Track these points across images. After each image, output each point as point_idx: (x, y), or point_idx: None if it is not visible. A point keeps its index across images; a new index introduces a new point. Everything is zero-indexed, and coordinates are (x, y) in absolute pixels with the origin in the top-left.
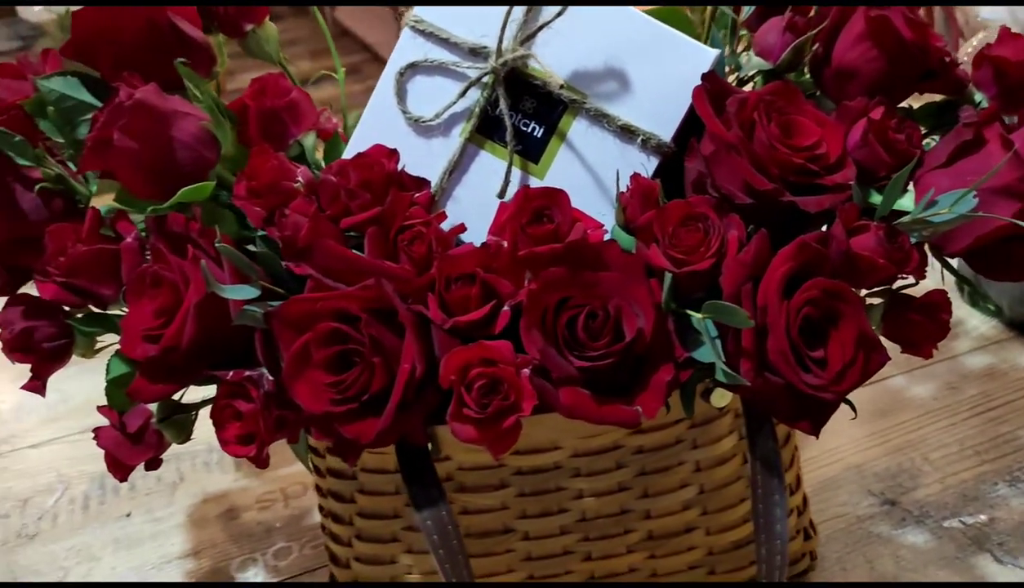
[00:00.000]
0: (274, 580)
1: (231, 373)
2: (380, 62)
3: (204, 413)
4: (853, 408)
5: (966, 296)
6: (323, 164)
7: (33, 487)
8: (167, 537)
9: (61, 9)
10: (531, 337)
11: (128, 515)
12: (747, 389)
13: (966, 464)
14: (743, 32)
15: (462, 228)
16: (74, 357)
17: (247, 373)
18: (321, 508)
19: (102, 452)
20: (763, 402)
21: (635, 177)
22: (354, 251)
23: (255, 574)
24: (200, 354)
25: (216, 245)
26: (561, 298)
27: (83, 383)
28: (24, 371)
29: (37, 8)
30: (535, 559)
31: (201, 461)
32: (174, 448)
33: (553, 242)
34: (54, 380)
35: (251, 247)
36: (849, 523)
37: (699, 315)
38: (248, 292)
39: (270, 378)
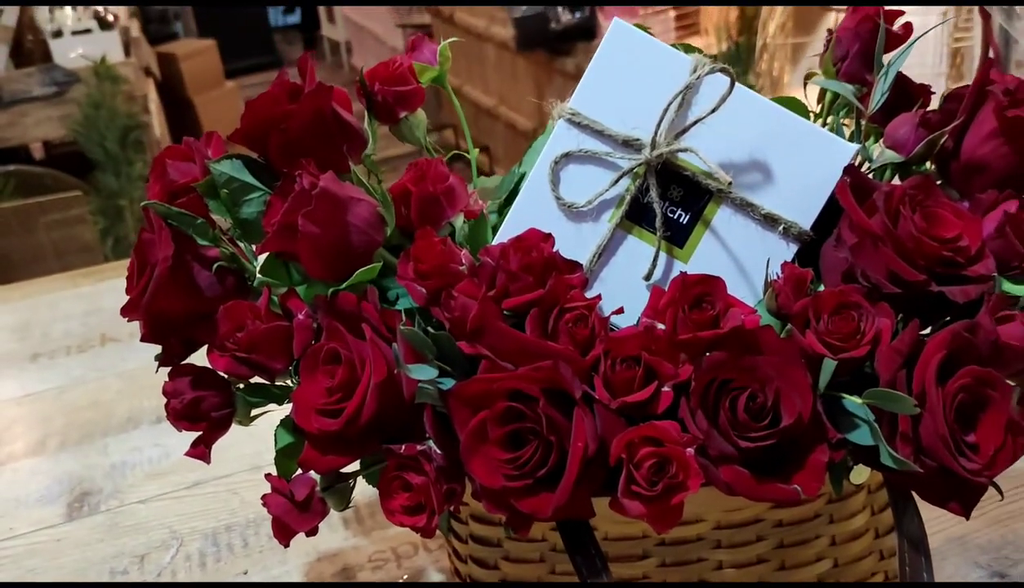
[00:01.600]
0: None
1: (404, 447)
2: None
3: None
4: (999, 490)
5: None
6: (466, 243)
7: (148, 543)
8: None
9: (96, 56)
10: (696, 418)
11: (245, 572)
12: (901, 472)
13: None
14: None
15: (620, 311)
16: None
17: (419, 447)
18: (457, 572)
19: (210, 508)
20: (912, 484)
21: (787, 265)
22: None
23: None
24: (375, 430)
25: (401, 330)
26: (723, 380)
27: (182, 439)
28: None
29: (72, 55)
30: None
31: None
32: None
33: (713, 327)
34: (153, 433)
35: (429, 329)
36: None
37: (859, 400)
38: (428, 372)
39: (438, 452)
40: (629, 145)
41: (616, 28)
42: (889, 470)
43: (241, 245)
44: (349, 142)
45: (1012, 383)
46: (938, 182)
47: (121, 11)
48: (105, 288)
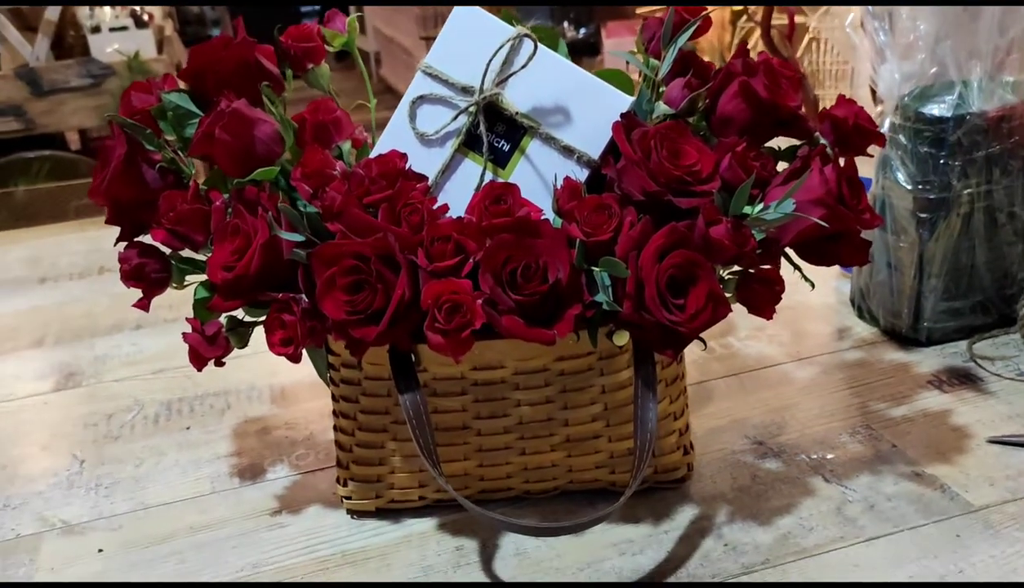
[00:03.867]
0: (295, 474)
1: (281, 295)
2: None
3: (249, 361)
4: (703, 342)
5: (855, 309)
6: (354, 162)
7: (116, 407)
8: (216, 443)
9: (130, 51)
10: (485, 279)
11: (188, 428)
12: (630, 325)
13: (822, 421)
14: (662, 88)
15: (446, 208)
16: (154, 323)
17: (292, 295)
18: (334, 412)
19: (171, 386)
20: (642, 338)
21: (567, 179)
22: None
23: (281, 469)
24: (261, 281)
25: (279, 206)
26: (508, 255)
27: (154, 341)
28: (107, 330)
29: (108, 50)
30: (484, 451)
31: (244, 395)
32: (224, 385)
33: (506, 216)
34: (131, 336)
35: (299, 206)
36: (724, 454)
37: (597, 269)
38: (297, 237)
39: (306, 299)
40: (466, 90)
41: (459, 10)
42: (629, 326)
43: (182, 154)
44: (268, 81)
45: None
46: (702, 133)
47: (157, 12)
48: (108, 233)
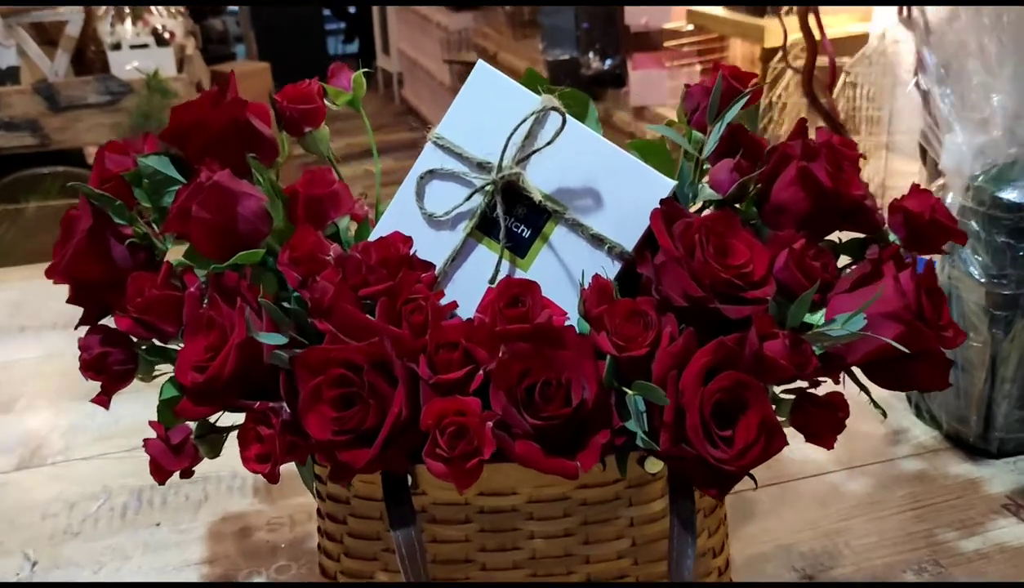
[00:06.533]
0: None
1: (258, 404)
2: None
3: (232, 445)
4: (754, 480)
5: (912, 407)
6: (353, 241)
7: (81, 493)
8: (188, 546)
9: (149, 69)
10: (497, 397)
11: (158, 525)
12: (667, 457)
13: (881, 553)
14: (706, 166)
15: (454, 305)
16: (130, 386)
17: (271, 405)
18: (319, 529)
19: (143, 469)
20: (681, 470)
21: (596, 277)
22: (367, 315)
23: (257, 580)
24: (236, 386)
25: (259, 301)
26: (525, 368)
27: (132, 408)
28: (84, 394)
29: (128, 67)
30: None
31: (225, 485)
32: (204, 471)
33: (523, 322)
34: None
35: (286, 304)
36: None
37: (632, 392)
38: (278, 339)
39: (288, 410)
40: (482, 167)
41: (480, 68)
42: (667, 459)
43: (157, 228)
44: (259, 148)
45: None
46: (755, 221)
47: (178, 29)
48: None
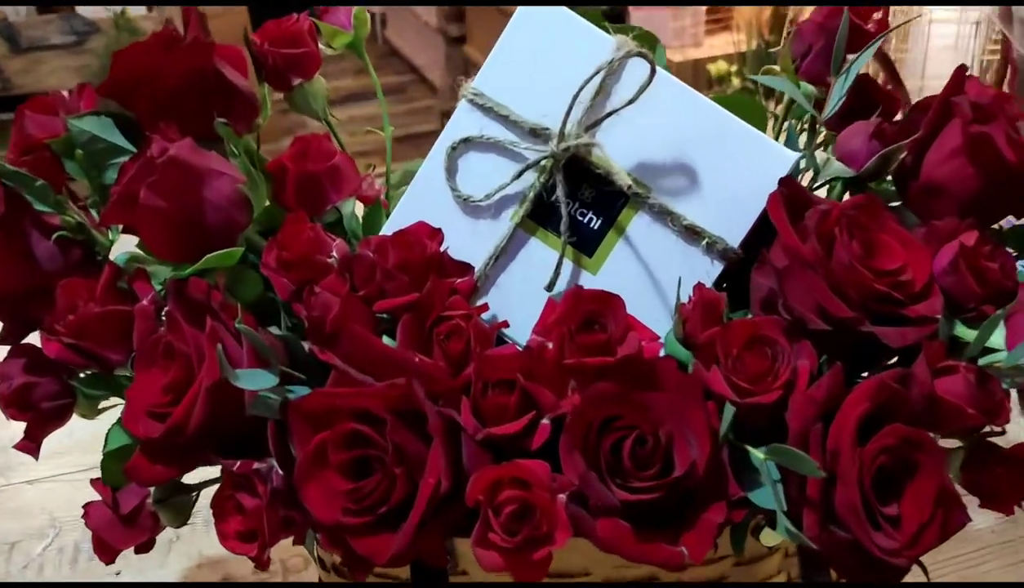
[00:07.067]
0: None
1: (238, 463)
2: (426, 84)
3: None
4: (926, 572)
5: None
6: (360, 232)
7: (23, 530)
8: None
9: (117, 8)
10: (571, 459)
11: (118, 573)
12: (815, 543)
13: None
14: (821, 131)
15: (504, 325)
16: None
17: (255, 465)
18: (320, 581)
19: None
20: (824, 554)
21: (699, 287)
22: (385, 339)
23: None
24: (207, 438)
25: (237, 327)
26: (609, 418)
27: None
28: None
29: (96, 7)
30: None
31: (201, 518)
32: None
33: (605, 354)
34: None
35: (276, 329)
36: None
37: (761, 455)
38: (265, 380)
39: (280, 472)
40: (537, 134)
41: (531, 8)
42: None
43: (96, 215)
44: (232, 108)
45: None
46: (896, 203)
47: None
48: None
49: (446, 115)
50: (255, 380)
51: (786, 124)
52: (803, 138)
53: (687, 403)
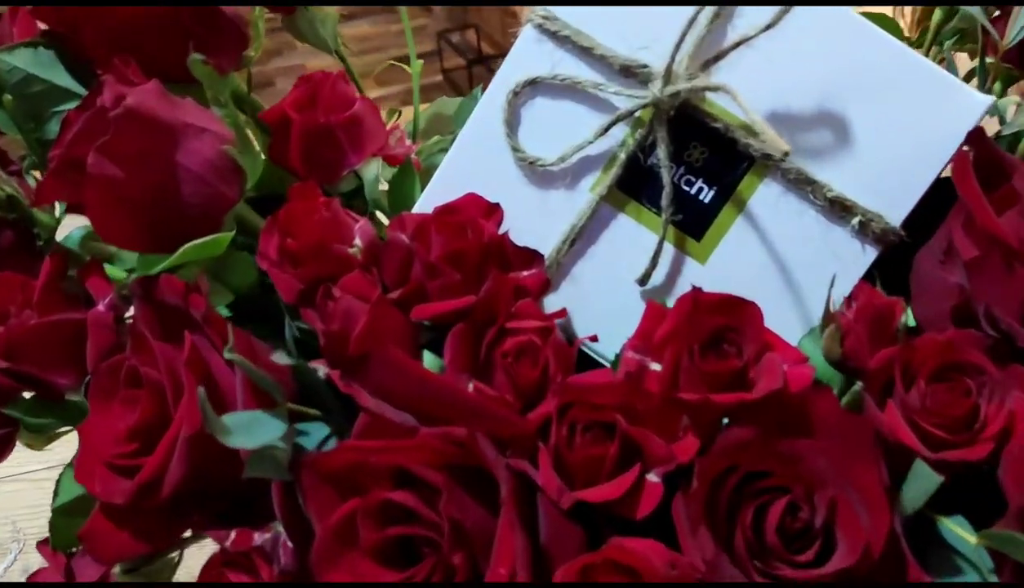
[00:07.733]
0: None
1: (233, 535)
2: None
3: None
4: None
5: None
6: (386, 205)
7: None
8: None
9: None
10: (696, 532)
11: None
12: None
13: None
14: (989, 60)
15: (592, 338)
16: None
17: (256, 539)
18: None
19: None
20: None
21: (864, 288)
22: (426, 356)
23: None
24: (190, 500)
25: (227, 354)
26: (748, 475)
27: None
28: None
29: None
30: None
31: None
32: None
33: (738, 386)
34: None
35: (277, 355)
36: None
37: (971, 538)
38: (267, 430)
39: (289, 545)
40: (631, 73)
41: None
42: None
43: (33, 181)
44: (212, 38)
45: None
46: None
47: None
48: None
49: (441, 36)
50: (254, 432)
51: (933, 51)
52: (960, 74)
53: (855, 455)
